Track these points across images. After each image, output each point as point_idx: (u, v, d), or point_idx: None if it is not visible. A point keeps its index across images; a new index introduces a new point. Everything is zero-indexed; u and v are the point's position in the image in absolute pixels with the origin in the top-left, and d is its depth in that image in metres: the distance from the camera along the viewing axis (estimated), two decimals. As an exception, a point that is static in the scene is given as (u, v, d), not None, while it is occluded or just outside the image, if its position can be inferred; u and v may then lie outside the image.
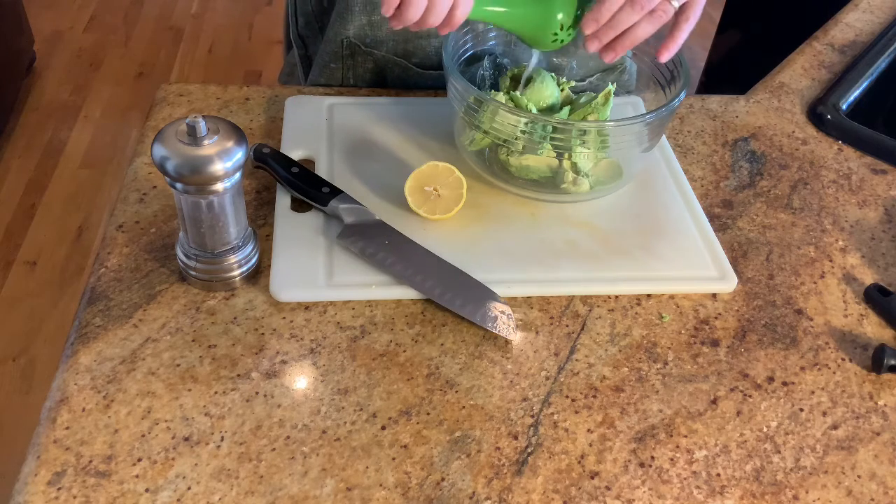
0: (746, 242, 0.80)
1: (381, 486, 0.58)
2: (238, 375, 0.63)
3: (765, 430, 0.64)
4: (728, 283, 0.74)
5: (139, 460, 0.58)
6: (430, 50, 0.92)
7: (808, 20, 1.28)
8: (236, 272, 0.69)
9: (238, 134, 0.63)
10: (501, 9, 0.74)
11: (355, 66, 0.93)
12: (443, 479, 0.58)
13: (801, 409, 0.66)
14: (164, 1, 3.00)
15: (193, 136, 0.61)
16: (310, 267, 0.71)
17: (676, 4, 0.72)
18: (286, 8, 1.04)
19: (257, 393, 0.62)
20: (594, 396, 0.65)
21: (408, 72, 0.93)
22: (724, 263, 0.75)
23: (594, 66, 0.87)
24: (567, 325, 0.70)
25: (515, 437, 0.61)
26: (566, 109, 0.80)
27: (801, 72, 1.05)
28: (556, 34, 0.75)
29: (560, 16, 0.74)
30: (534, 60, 0.81)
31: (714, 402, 0.65)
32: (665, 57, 0.76)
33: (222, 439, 0.59)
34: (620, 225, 0.79)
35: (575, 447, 0.61)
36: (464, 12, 0.69)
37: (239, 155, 0.62)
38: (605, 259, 0.75)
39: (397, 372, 0.65)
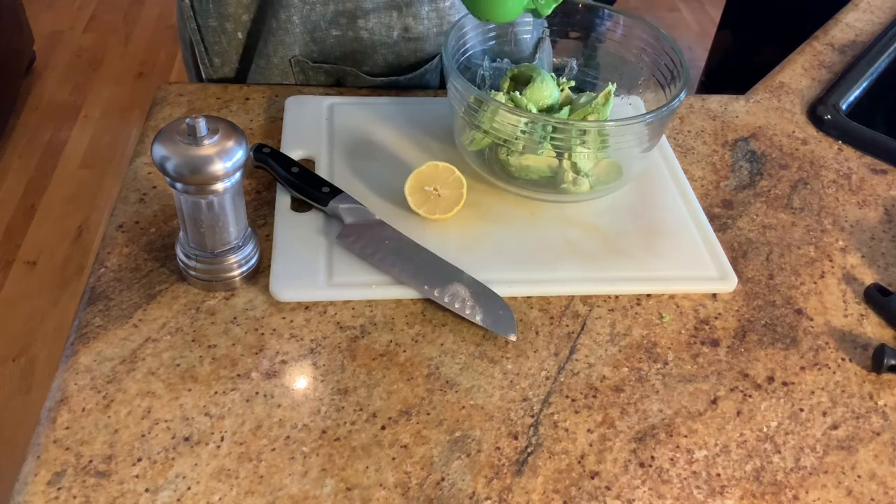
0: (746, 242, 0.80)
1: (381, 486, 0.58)
2: (238, 375, 0.63)
3: (765, 430, 0.64)
4: (728, 283, 0.74)
5: (139, 460, 0.58)
6: (378, 58, 0.92)
7: (807, 20, 1.28)
8: (236, 272, 0.69)
9: (238, 134, 0.63)
10: None
11: (308, 81, 0.94)
12: (443, 479, 0.58)
13: (801, 409, 0.66)
14: (164, 1, 3.00)
15: (193, 136, 0.61)
16: (310, 267, 0.71)
17: None
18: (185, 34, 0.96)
19: (257, 393, 0.62)
20: (594, 396, 0.65)
21: (359, 80, 0.94)
22: (724, 263, 0.75)
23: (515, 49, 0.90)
24: (567, 325, 0.70)
25: (515, 437, 0.61)
26: (566, 109, 0.80)
27: (801, 72, 1.05)
28: None
29: None
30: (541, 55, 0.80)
31: (714, 402, 0.65)
32: None
33: (222, 439, 0.59)
34: (620, 225, 0.79)
35: (575, 447, 0.61)
36: None
37: (239, 155, 0.62)
38: (605, 259, 0.75)
39: (397, 372, 0.65)
